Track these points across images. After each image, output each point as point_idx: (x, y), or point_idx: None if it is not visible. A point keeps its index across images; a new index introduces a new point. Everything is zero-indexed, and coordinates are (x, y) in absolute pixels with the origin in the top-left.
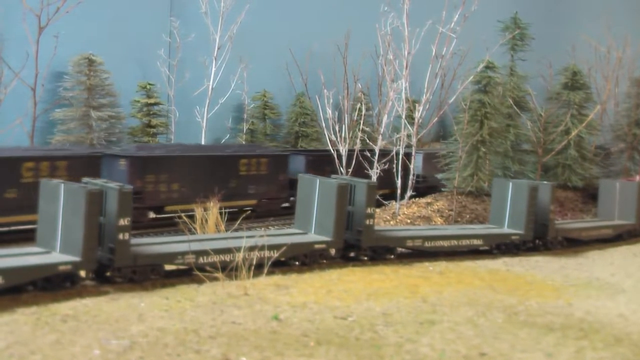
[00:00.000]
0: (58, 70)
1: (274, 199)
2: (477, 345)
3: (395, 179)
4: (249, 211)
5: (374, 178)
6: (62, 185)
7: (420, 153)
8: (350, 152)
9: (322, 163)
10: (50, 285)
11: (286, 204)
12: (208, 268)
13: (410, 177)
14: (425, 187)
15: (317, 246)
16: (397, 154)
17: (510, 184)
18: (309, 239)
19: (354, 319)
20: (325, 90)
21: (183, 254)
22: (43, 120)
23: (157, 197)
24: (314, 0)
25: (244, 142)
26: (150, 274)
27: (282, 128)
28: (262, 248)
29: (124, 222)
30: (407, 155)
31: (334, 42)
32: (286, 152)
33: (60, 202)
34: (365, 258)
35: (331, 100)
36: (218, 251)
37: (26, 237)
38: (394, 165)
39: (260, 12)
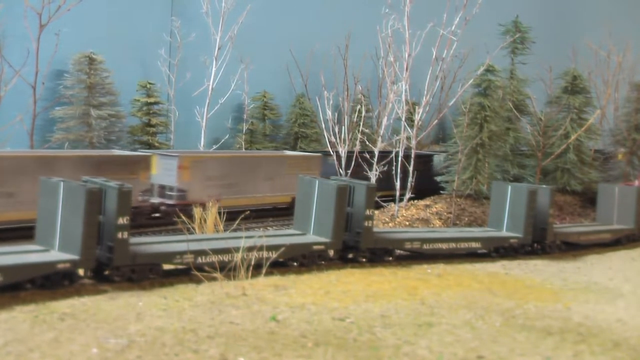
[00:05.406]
0: (58, 69)
1: None
2: (475, 348)
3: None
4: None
5: (373, 180)
6: (62, 183)
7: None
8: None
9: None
10: (49, 283)
11: None
12: (207, 268)
13: (409, 178)
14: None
15: (315, 247)
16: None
17: (509, 187)
18: (307, 240)
19: (352, 321)
20: (326, 92)
21: (182, 253)
22: (43, 118)
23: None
24: (315, 2)
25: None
26: (148, 273)
27: (282, 129)
28: (260, 248)
29: (123, 221)
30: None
31: (334, 43)
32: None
33: (60, 200)
34: (364, 260)
35: (331, 102)
36: (217, 251)
37: (24, 235)
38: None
39: (262, 13)
